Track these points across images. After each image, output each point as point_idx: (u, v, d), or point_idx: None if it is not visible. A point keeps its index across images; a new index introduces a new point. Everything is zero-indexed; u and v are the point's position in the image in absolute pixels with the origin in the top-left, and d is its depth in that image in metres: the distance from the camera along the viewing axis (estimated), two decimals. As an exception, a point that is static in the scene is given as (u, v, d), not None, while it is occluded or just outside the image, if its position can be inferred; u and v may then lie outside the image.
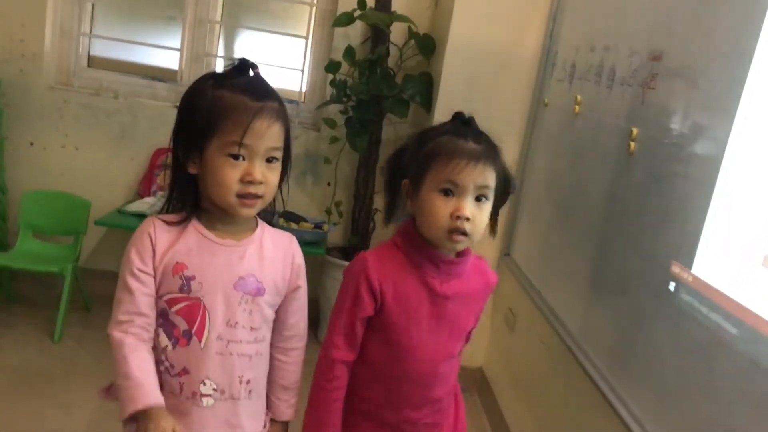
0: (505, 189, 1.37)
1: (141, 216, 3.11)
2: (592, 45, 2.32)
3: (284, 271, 1.34)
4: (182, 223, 1.26)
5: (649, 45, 1.87)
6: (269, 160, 1.24)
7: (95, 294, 3.32)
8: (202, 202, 1.27)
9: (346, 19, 3.11)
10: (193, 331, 1.25)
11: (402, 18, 3.11)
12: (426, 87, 3.07)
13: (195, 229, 1.26)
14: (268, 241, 1.33)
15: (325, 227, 3.23)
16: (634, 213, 1.83)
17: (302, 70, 3.52)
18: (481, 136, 1.32)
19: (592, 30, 2.38)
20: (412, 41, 3.22)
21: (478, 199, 1.30)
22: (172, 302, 1.24)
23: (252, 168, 1.21)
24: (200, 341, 1.25)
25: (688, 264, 1.51)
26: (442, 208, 1.28)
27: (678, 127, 1.67)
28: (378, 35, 3.26)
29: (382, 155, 3.28)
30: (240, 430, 1.31)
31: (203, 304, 1.25)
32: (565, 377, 2.17)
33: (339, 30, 3.33)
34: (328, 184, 3.46)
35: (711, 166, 1.46)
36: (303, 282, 1.39)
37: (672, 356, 1.54)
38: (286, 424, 1.45)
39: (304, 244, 3.05)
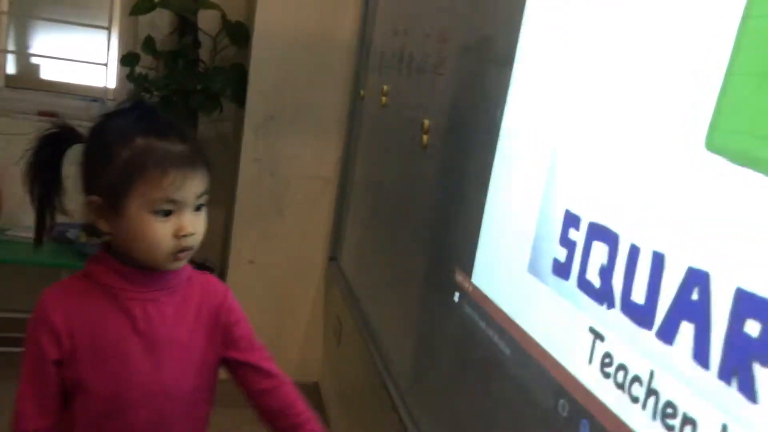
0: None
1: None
2: (395, 29, 2.12)
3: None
4: None
5: (437, 25, 1.69)
6: (197, 208, 1.09)
7: None
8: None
9: (146, 7, 2.77)
10: None
11: (210, 4, 2.80)
12: (238, 79, 2.78)
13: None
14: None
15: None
16: (426, 214, 1.64)
17: (106, 65, 3.15)
18: (183, 132, 1.09)
19: (398, 12, 2.18)
20: (225, 31, 2.93)
21: (197, 208, 1.09)
22: None
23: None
24: None
25: (469, 271, 1.32)
26: (162, 230, 1.06)
27: (460, 118, 1.49)
28: (186, 24, 2.94)
29: (199, 157, 2.98)
30: None
31: None
32: (376, 396, 1.97)
33: (145, 20, 2.97)
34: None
35: (486, 161, 1.28)
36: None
37: (458, 379, 1.36)
38: None
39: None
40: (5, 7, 3.12)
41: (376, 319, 2.06)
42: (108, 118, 1.10)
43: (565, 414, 0.94)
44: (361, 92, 2.55)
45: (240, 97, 2.79)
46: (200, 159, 1.08)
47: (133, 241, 1.07)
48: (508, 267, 1.15)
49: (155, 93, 2.79)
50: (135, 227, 1.05)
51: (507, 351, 1.14)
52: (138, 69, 2.82)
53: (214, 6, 2.80)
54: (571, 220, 0.96)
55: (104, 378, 1.08)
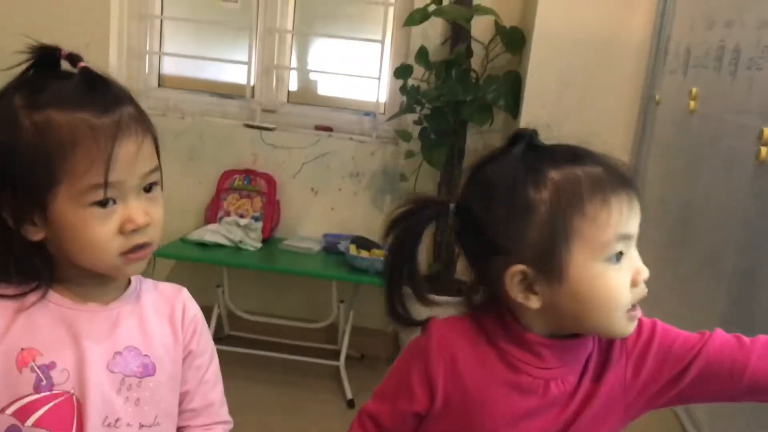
0: None
1: (203, 245, 2.87)
2: (711, 20, 1.78)
3: (174, 333, 0.94)
4: (21, 296, 0.86)
5: (784, 9, 1.35)
6: (148, 189, 0.86)
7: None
8: (56, 269, 0.87)
9: (420, 17, 2.71)
10: None
11: (484, 10, 2.67)
12: (512, 88, 2.61)
13: (39, 298, 0.86)
14: (148, 299, 0.94)
15: (401, 254, 2.83)
16: (763, 240, 1.31)
17: (378, 78, 3.15)
18: (587, 151, 0.85)
19: (711, 1, 1.84)
20: (499, 37, 2.78)
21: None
22: (25, 412, 0.83)
23: (130, 210, 0.83)
24: None
25: None
26: (621, 279, 0.81)
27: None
28: (458, 33, 2.82)
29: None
30: None
31: (75, 399, 0.85)
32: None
33: (417, 30, 2.92)
34: (406, 205, 3.04)
35: None
36: (202, 344, 0.97)
37: None
38: None
39: (376, 274, 2.72)
40: (290, 26, 3.28)
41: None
42: (485, 163, 0.87)
43: None
44: (656, 97, 2.23)
45: (513, 107, 2.61)
46: (630, 173, 0.86)
47: (586, 304, 0.81)
48: None
49: (426, 105, 2.72)
50: (588, 286, 0.80)
51: None
52: (410, 81, 2.78)
53: (489, 11, 2.65)
54: None
55: None
